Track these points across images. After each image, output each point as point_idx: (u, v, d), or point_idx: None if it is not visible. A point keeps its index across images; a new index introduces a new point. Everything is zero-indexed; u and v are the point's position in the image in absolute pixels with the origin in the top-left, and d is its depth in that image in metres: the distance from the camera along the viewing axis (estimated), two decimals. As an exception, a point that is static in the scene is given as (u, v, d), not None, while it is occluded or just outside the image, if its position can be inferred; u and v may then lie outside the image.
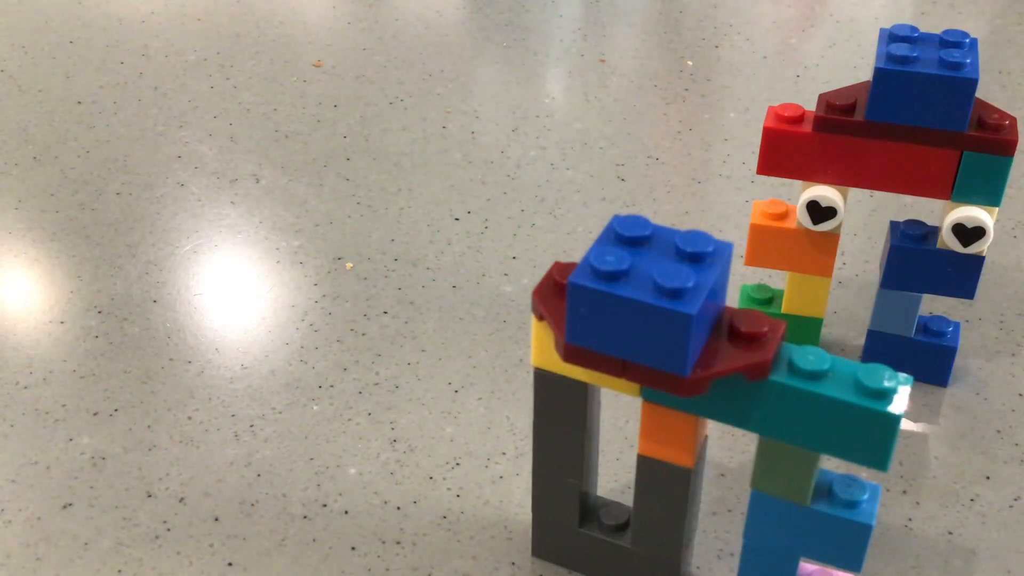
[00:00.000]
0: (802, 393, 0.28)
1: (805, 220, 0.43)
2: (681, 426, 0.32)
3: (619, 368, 0.29)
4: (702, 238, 0.29)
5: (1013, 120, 0.39)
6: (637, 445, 0.33)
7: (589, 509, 0.37)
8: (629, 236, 0.29)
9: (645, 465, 0.33)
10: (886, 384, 0.28)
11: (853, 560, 0.31)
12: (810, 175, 0.42)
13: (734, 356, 0.29)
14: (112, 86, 0.67)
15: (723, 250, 0.29)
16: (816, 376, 0.28)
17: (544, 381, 0.34)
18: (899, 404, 0.28)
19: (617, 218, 0.30)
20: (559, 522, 0.37)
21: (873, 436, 0.28)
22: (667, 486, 0.33)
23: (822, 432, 0.29)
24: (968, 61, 0.38)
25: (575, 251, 0.53)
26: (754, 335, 0.29)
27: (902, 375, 0.28)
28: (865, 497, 0.30)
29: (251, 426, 0.43)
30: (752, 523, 0.32)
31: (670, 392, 0.29)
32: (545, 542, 0.38)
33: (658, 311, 0.28)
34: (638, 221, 0.30)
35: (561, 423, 0.34)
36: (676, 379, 0.29)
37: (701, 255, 0.28)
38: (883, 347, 0.45)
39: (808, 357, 0.29)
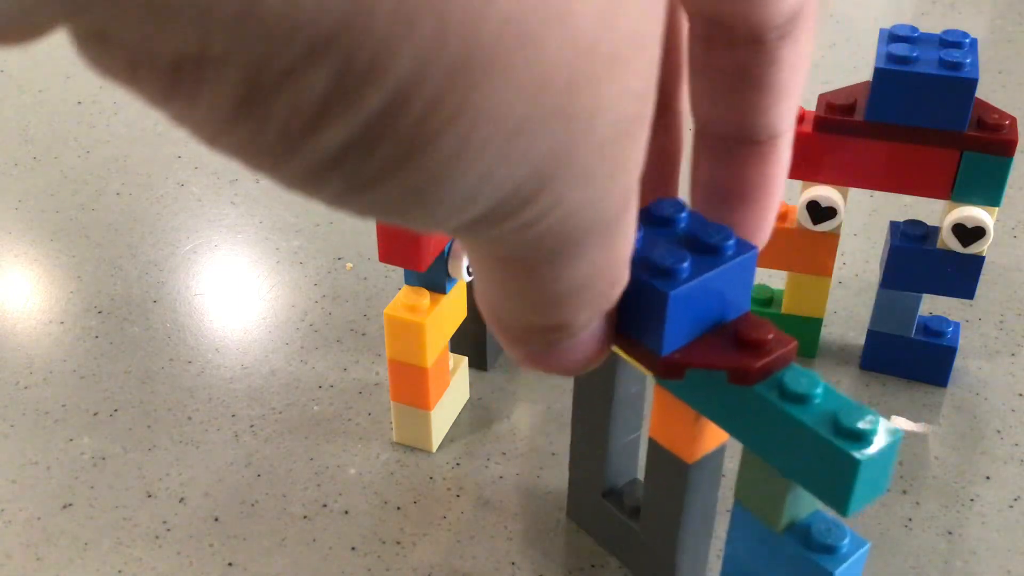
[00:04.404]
0: (776, 411, 0.28)
1: (805, 220, 0.43)
2: (685, 418, 0.32)
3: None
4: (725, 232, 0.29)
5: (1013, 120, 0.39)
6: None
7: (619, 485, 0.38)
8: (655, 215, 0.29)
9: (653, 449, 0.34)
10: (863, 427, 0.26)
11: None
12: (810, 175, 0.42)
13: (722, 355, 0.29)
14: (112, 86, 0.67)
15: (745, 249, 0.29)
16: (797, 399, 0.28)
17: None
18: (869, 451, 0.26)
19: (660, 199, 0.30)
20: (588, 489, 0.38)
21: (836, 475, 0.27)
22: (669, 476, 0.34)
23: (793, 458, 0.28)
24: (968, 61, 0.38)
25: (575, 251, 0.53)
26: (754, 342, 0.29)
27: (891, 426, 0.27)
28: (843, 543, 0.29)
29: (251, 426, 0.43)
30: (732, 535, 0.32)
31: (647, 369, 0.29)
32: (576, 506, 0.39)
33: (641, 285, 0.28)
34: (674, 204, 0.30)
35: (594, 390, 0.35)
36: (653, 357, 0.29)
37: (718, 248, 0.28)
38: (883, 347, 0.45)
39: (800, 380, 0.28)
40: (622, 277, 0.20)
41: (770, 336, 0.29)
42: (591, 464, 0.37)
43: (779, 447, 0.28)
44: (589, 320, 0.21)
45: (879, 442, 0.27)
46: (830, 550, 0.29)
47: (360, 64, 0.12)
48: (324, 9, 0.12)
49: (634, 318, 0.29)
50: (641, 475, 0.38)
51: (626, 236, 0.19)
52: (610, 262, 0.19)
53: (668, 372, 0.29)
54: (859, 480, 0.26)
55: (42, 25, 0.12)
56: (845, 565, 0.29)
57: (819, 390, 0.28)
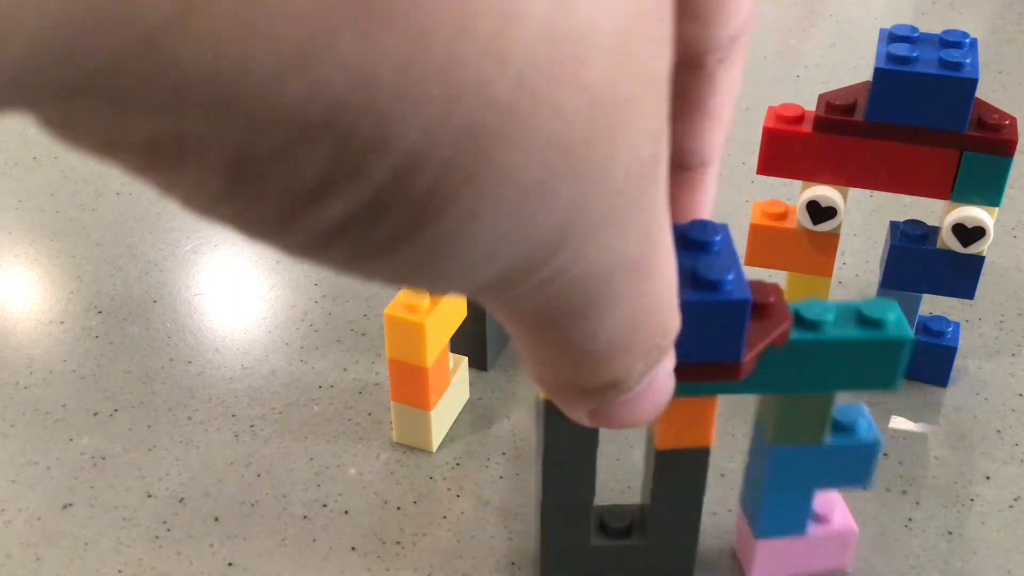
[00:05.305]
0: (819, 344, 0.30)
1: (805, 220, 0.43)
2: (702, 409, 0.32)
3: None
4: (708, 227, 0.29)
5: (1013, 120, 0.39)
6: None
7: (595, 520, 0.37)
8: None
9: (665, 458, 0.34)
10: (882, 312, 0.30)
11: (866, 477, 0.34)
12: (810, 175, 0.42)
13: (763, 328, 0.30)
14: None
15: (725, 231, 0.29)
16: (823, 325, 0.30)
17: (553, 409, 0.32)
18: (902, 326, 0.30)
19: None
20: (569, 543, 0.36)
21: (887, 363, 0.30)
22: (687, 471, 0.34)
23: (840, 373, 0.31)
24: (968, 61, 0.38)
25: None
26: (769, 304, 0.30)
27: (889, 302, 0.31)
28: (863, 419, 0.33)
29: (251, 426, 0.43)
30: (774, 477, 0.33)
31: (725, 380, 0.30)
32: (554, 565, 0.36)
33: (702, 304, 0.28)
34: None
35: (573, 446, 0.33)
36: (731, 366, 0.29)
37: (711, 243, 0.29)
38: (883, 347, 0.45)
39: (812, 309, 0.30)
40: (672, 324, 0.19)
41: (772, 296, 0.30)
42: (574, 519, 0.35)
43: (826, 373, 0.31)
44: (644, 373, 0.20)
45: (898, 315, 0.31)
46: (856, 427, 0.33)
47: (361, 140, 0.11)
48: (316, 90, 0.11)
49: (697, 341, 0.28)
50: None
51: (661, 278, 0.17)
52: (649, 308, 0.18)
53: (745, 371, 0.30)
54: (907, 353, 0.30)
55: None
56: (876, 430, 0.34)
57: (831, 311, 0.30)
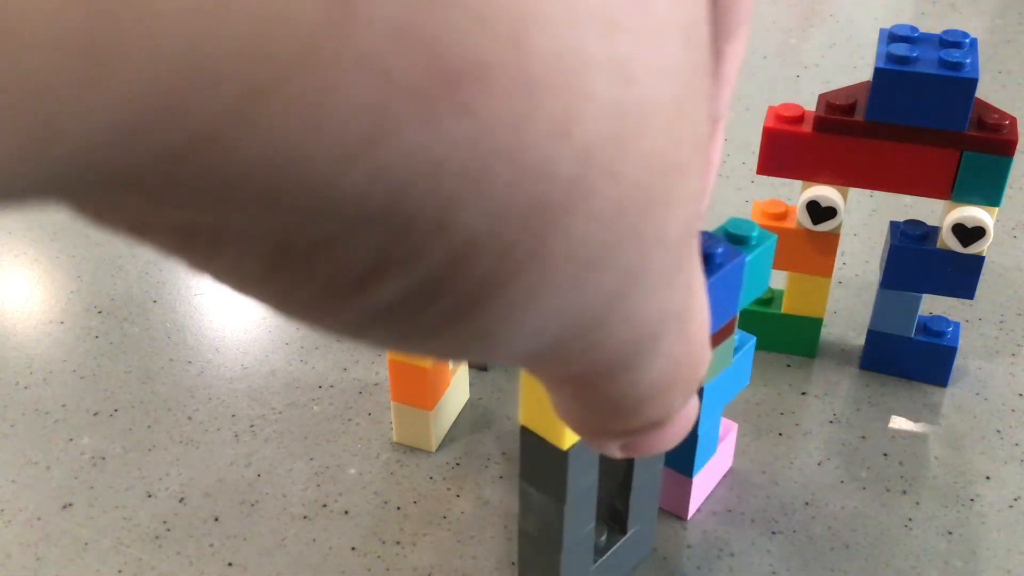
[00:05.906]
0: (733, 273, 0.33)
1: (805, 220, 0.43)
2: None
3: None
4: None
5: (1013, 120, 0.39)
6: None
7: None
8: None
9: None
10: (745, 227, 0.34)
11: (745, 376, 0.39)
12: (810, 175, 0.42)
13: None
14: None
15: None
16: (717, 256, 0.33)
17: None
18: (764, 233, 0.35)
19: None
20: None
21: (765, 262, 0.35)
22: (653, 456, 0.36)
23: (742, 293, 0.35)
24: (968, 61, 0.38)
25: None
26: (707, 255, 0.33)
27: (742, 220, 0.35)
28: (743, 343, 0.38)
29: (251, 426, 0.43)
30: (706, 412, 0.37)
31: (726, 338, 0.33)
32: None
33: (720, 279, 0.31)
34: None
35: (590, 488, 0.33)
36: (730, 324, 0.33)
37: None
38: (883, 347, 0.45)
39: (708, 244, 0.34)
40: (706, 356, 0.19)
41: (723, 247, 0.34)
42: (585, 551, 0.35)
43: (732, 299, 0.35)
44: (683, 406, 0.20)
45: (755, 226, 0.35)
46: (737, 340, 0.38)
47: (420, 226, 0.11)
48: (377, 179, 0.10)
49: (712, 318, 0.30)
50: None
51: (699, 320, 0.18)
52: (691, 348, 0.18)
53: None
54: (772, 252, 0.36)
55: (21, 200, 0.10)
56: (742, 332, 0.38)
57: (719, 243, 0.33)
